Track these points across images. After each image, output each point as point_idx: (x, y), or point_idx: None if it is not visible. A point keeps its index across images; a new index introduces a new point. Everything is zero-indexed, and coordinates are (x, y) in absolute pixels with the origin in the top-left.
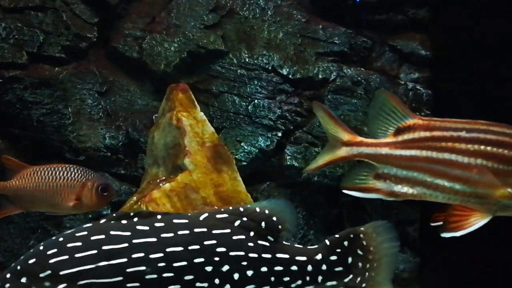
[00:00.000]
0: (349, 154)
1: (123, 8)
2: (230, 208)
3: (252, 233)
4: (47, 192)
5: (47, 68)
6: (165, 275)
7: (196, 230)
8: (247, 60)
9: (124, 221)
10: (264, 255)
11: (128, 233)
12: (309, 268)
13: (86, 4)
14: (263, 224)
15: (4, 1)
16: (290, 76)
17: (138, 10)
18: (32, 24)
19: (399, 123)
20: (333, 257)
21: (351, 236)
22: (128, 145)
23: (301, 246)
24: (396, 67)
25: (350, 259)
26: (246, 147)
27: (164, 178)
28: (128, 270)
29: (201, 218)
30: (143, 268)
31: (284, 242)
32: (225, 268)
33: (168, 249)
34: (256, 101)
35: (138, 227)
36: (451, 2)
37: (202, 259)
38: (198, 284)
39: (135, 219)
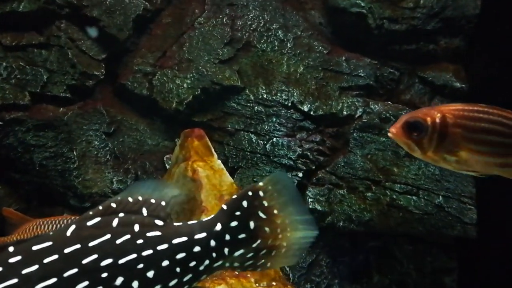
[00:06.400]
0: None
1: (132, 42)
2: (100, 207)
3: (137, 227)
4: None
5: (51, 108)
6: None
7: (67, 250)
8: (264, 96)
9: None
10: (160, 248)
11: None
12: (212, 243)
13: (93, 39)
14: (144, 211)
15: (6, 38)
16: (312, 113)
17: (148, 44)
18: (35, 63)
19: None
20: (234, 223)
21: (250, 194)
22: None
23: (195, 221)
24: (427, 100)
25: (252, 224)
26: None
27: None
28: None
29: (69, 233)
30: None
31: (175, 223)
32: (119, 281)
33: (37, 287)
34: (274, 139)
35: None
36: (489, 30)
37: (86, 283)
38: None
39: None
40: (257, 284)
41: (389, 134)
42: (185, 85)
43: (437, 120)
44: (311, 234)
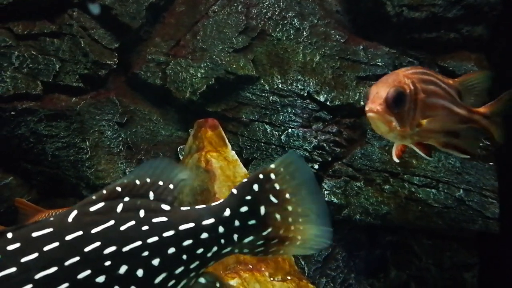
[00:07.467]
0: None
1: (145, 31)
2: (104, 191)
3: (142, 212)
4: None
5: (63, 98)
6: None
7: (68, 237)
8: (280, 86)
9: None
10: (166, 234)
11: None
12: (221, 229)
13: (106, 28)
14: (151, 195)
15: (17, 27)
16: (328, 103)
17: (162, 32)
18: (47, 52)
19: None
20: (244, 208)
21: (261, 177)
22: None
23: (203, 206)
24: None
25: (263, 209)
26: None
27: None
28: None
29: (70, 218)
30: None
31: (182, 208)
32: (123, 269)
33: (37, 276)
34: (289, 130)
35: None
36: None
37: (88, 272)
38: None
39: None
40: (271, 278)
41: (370, 115)
42: (198, 74)
43: (412, 87)
44: (325, 231)
